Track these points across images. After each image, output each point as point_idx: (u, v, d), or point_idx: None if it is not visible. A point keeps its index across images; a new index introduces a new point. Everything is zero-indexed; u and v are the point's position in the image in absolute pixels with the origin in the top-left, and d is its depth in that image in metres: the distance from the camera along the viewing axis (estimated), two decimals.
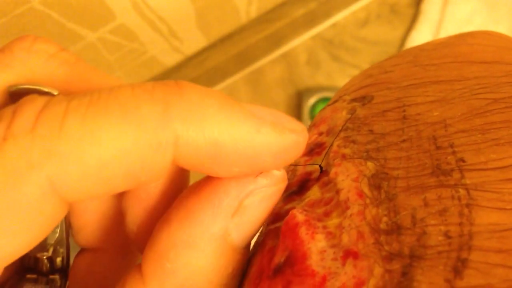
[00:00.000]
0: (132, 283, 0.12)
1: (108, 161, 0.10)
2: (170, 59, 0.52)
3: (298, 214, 0.12)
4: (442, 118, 0.12)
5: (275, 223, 0.13)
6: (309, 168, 0.14)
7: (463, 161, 0.11)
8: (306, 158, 0.15)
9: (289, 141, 0.11)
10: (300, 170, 0.15)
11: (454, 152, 0.11)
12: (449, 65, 0.14)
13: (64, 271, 0.15)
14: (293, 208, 0.13)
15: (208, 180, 0.12)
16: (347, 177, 0.12)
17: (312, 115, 0.51)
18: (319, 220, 0.12)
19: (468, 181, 0.11)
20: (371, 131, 0.13)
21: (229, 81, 0.54)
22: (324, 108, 0.17)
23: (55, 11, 0.30)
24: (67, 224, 0.15)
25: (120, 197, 0.14)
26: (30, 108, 0.10)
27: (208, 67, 0.54)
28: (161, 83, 0.11)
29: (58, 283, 0.15)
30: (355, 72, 0.53)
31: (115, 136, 0.10)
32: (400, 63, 0.16)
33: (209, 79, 0.54)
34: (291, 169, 0.15)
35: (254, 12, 0.52)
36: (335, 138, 0.14)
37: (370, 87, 0.15)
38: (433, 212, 0.10)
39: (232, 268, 0.12)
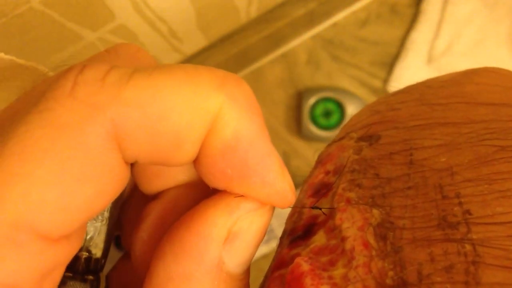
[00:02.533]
0: None
1: (165, 114, 0.11)
2: (170, 59, 0.52)
3: (303, 263, 0.12)
4: (449, 165, 0.12)
5: (280, 269, 0.13)
6: (315, 211, 0.14)
7: (470, 213, 0.11)
8: (312, 199, 0.14)
9: (284, 189, 0.12)
10: (306, 213, 0.14)
11: (460, 203, 0.11)
12: (456, 105, 0.14)
13: (97, 273, 0.15)
14: (298, 254, 0.13)
15: (196, 210, 0.12)
16: (353, 225, 0.12)
17: (312, 115, 0.51)
18: (325, 269, 0.12)
19: (474, 236, 0.10)
20: (377, 175, 0.13)
21: None
22: (330, 144, 0.16)
23: (55, 11, 0.30)
24: (110, 228, 0.15)
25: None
26: (101, 64, 0.11)
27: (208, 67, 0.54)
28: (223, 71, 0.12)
29: (94, 284, 0.15)
30: (355, 72, 0.53)
31: (176, 92, 0.11)
32: (407, 100, 0.15)
33: None
34: (297, 211, 0.15)
35: (254, 12, 0.52)
36: (341, 179, 0.14)
37: (377, 125, 0.15)
38: (439, 268, 0.10)
39: None
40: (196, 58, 0.54)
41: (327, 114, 0.51)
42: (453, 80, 0.16)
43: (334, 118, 0.51)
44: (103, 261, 0.15)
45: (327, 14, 0.54)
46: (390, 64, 0.53)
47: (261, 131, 0.12)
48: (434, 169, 0.12)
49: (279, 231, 0.49)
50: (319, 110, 0.51)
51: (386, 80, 0.53)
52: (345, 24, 0.54)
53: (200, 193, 0.13)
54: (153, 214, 0.14)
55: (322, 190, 0.14)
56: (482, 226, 0.11)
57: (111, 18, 0.35)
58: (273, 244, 0.50)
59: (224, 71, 0.12)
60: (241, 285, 0.12)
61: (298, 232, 0.14)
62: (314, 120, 0.51)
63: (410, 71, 0.51)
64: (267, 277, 0.14)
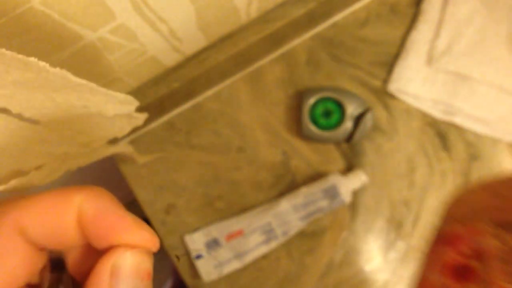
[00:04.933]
0: None
1: (48, 218, 0.17)
2: (170, 59, 0.52)
3: None
4: None
5: None
6: None
7: None
8: (458, 285, 0.14)
9: (143, 235, 0.18)
10: None
11: None
12: None
13: None
14: None
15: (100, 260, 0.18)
16: None
17: (312, 115, 0.51)
18: None
19: None
20: None
21: (229, 81, 0.54)
22: (449, 223, 0.16)
23: (55, 11, 0.30)
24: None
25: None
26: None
27: (208, 67, 0.54)
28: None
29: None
30: (355, 72, 0.53)
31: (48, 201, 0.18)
32: None
33: (209, 79, 0.54)
34: None
35: (254, 12, 0.52)
36: (491, 268, 0.14)
37: (509, 212, 0.15)
38: None
39: None
40: (196, 58, 0.54)
41: (327, 114, 0.51)
42: None
43: (334, 118, 0.51)
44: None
45: (327, 14, 0.54)
46: (390, 64, 0.53)
47: (108, 207, 0.17)
48: None
49: (279, 231, 0.49)
50: (319, 110, 0.51)
51: (386, 80, 0.53)
52: (345, 24, 0.54)
53: None
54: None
55: (466, 275, 0.14)
56: None
57: (111, 18, 0.35)
58: (273, 244, 0.50)
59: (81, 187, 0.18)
60: None
61: None
62: (314, 120, 0.51)
63: (410, 71, 0.51)
64: None
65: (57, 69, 0.23)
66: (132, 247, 0.17)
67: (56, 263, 0.19)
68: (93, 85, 0.29)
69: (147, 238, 0.17)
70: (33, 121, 0.28)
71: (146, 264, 0.17)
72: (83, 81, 0.27)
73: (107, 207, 0.17)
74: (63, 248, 0.18)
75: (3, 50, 0.19)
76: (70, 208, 0.17)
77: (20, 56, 0.20)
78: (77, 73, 0.35)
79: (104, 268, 0.16)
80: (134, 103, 0.38)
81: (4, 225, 0.16)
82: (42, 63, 0.21)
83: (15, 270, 0.16)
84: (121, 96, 0.35)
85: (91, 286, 0.16)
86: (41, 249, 0.17)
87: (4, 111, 0.25)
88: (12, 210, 0.16)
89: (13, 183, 0.26)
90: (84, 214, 0.17)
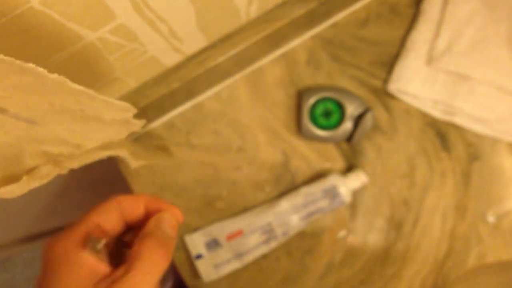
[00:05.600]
0: None
1: None
2: (170, 59, 0.52)
3: None
4: None
5: None
6: None
7: None
8: None
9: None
10: None
11: None
12: None
13: None
14: None
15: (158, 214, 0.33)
16: None
17: (312, 115, 0.51)
18: None
19: None
20: None
21: (229, 81, 0.54)
22: None
23: (55, 11, 0.30)
24: None
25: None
26: None
27: (208, 67, 0.54)
28: None
29: None
30: (355, 72, 0.53)
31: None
32: None
33: (209, 79, 0.54)
34: None
35: (254, 12, 0.52)
36: None
37: None
38: None
39: None
40: (196, 58, 0.54)
41: (327, 114, 0.51)
42: None
43: (334, 118, 0.51)
44: None
45: (327, 14, 0.54)
46: (390, 64, 0.53)
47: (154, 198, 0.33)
48: None
49: (279, 231, 0.49)
50: (319, 110, 0.51)
51: (386, 80, 0.53)
52: (345, 24, 0.54)
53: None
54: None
55: None
56: None
57: (111, 18, 0.35)
58: (273, 244, 0.50)
59: None
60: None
61: None
62: (314, 120, 0.51)
63: (410, 71, 0.51)
64: None
65: (55, 75, 0.23)
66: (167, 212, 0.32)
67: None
68: (91, 91, 0.29)
69: (175, 211, 0.32)
70: (30, 121, 0.28)
71: (174, 222, 0.31)
72: (81, 88, 0.27)
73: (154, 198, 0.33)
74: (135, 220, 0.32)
75: (1, 56, 0.19)
76: (139, 201, 0.32)
77: (18, 61, 0.20)
78: (77, 73, 0.35)
79: (155, 217, 0.30)
80: (132, 110, 0.38)
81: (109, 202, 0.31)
82: (40, 69, 0.21)
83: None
84: (119, 103, 0.35)
85: (148, 225, 0.30)
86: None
87: (2, 111, 0.25)
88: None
89: (3, 190, 0.26)
90: (147, 203, 0.32)
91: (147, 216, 0.31)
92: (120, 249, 0.31)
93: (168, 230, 0.29)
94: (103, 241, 0.28)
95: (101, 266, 0.27)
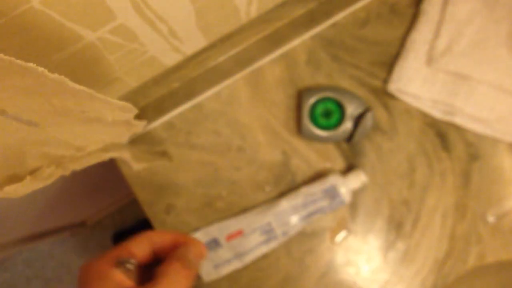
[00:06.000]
0: None
1: None
2: (170, 59, 0.52)
3: None
4: None
5: None
6: None
7: None
8: None
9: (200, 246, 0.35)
10: None
11: None
12: None
13: None
14: None
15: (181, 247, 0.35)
16: None
17: (312, 115, 0.51)
18: None
19: None
20: None
21: (229, 81, 0.54)
22: None
23: (55, 11, 0.30)
24: None
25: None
26: None
27: (208, 67, 0.54)
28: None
29: None
30: (355, 72, 0.53)
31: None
32: None
33: (209, 79, 0.54)
34: None
35: (254, 12, 0.52)
36: None
37: None
38: None
39: None
40: (196, 58, 0.54)
41: (327, 114, 0.51)
42: None
43: (334, 118, 0.51)
44: None
45: (327, 14, 0.54)
46: (390, 64, 0.53)
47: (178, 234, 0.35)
48: None
49: (279, 231, 0.49)
50: (319, 110, 0.51)
51: (386, 80, 0.53)
52: (345, 24, 0.54)
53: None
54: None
55: None
56: None
57: (111, 18, 0.35)
58: (273, 244, 0.50)
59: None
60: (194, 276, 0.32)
61: None
62: (314, 120, 0.51)
63: (410, 71, 0.51)
64: None
65: (56, 75, 0.23)
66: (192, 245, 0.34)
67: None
68: (91, 91, 0.29)
69: (201, 246, 0.35)
70: (32, 123, 0.28)
71: (198, 253, 0.34)
72: (81, 87, 0.27)
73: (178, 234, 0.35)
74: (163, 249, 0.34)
75: (1, 55, 0.19)
76: (168, 235, 0.34)
77: (19, 61, 0.20)
78: (77, 73, 0.35)
79: (182, 247, 0.33)
80: (133, 111, 0.38)
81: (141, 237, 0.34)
82: (41, 69, 0.21)
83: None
84: (120, 103, 0.35)
85: (175, 252, 0.33)
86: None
87: (2, 112, 0.25)
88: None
89: (7, 189, 0.26)
90: (176, 237, 0.34)
91: (175, 249, 0.34)
92: (148, 276, 0.33)
93: (193, 258, 0.32)
94: (133, 262, 0.31)
95: (129, 282, 0.29)
